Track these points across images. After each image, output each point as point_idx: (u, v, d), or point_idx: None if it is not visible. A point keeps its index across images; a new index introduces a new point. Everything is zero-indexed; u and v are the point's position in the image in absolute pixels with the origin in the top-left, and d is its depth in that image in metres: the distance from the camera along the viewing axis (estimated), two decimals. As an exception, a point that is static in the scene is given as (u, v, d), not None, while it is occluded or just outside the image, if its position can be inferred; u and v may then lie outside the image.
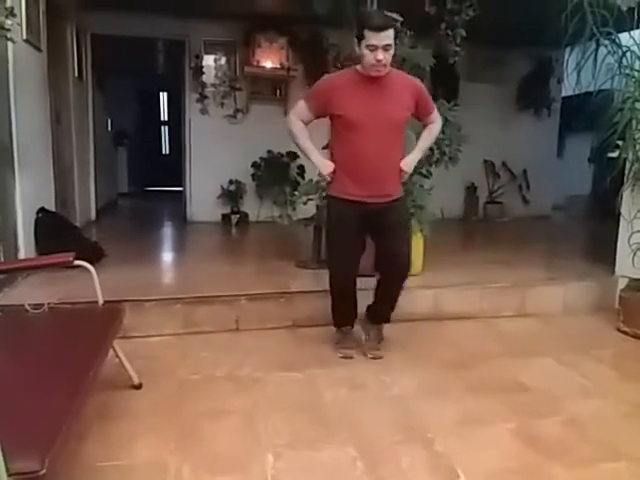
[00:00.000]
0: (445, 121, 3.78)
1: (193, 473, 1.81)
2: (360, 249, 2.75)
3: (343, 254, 2.73)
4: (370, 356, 2.83)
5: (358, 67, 2.58)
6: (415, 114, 2.69)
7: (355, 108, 2.53)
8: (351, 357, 2.82)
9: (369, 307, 2.96)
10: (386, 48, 2.41)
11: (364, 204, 2.61)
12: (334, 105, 2.57)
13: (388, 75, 2.56)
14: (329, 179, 2.68)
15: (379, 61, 2.43)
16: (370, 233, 2.75)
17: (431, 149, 3.75)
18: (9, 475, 1.05)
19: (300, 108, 2.71)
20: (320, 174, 2.73)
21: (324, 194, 3.90)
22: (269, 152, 6.54)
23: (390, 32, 2.40)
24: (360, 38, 2.44)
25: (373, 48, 2.40)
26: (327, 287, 3.32)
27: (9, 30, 2.82)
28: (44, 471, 1.10)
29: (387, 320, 2.93)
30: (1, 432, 1.04)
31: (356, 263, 2.74)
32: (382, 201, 2.63)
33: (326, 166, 2.68)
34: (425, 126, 2.82)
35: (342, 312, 2.91)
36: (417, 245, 3.73)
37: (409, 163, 2.72)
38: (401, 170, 2.69)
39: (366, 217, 2.64)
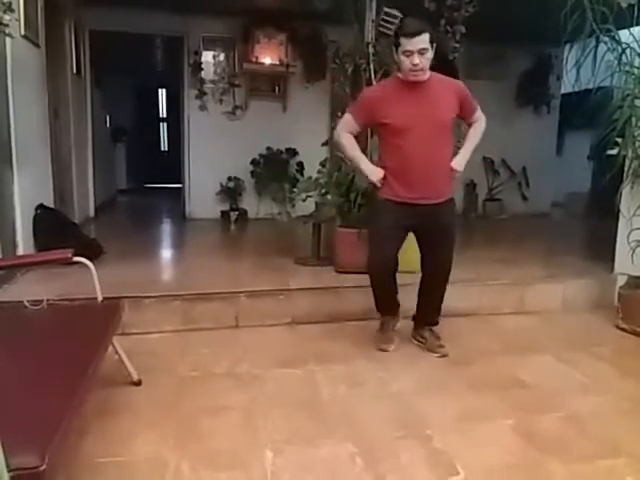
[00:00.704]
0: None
1: (192, 469, 1.81)
2: (399, 245, 2.77)
3: (383, 245, 2.74)
4: (436, 355, 2.83)
5: (399, 74, 2.64)
6: (460, 115, 2.72)
7: (400, 114, 2.59)
8: (386, 350, 2.86)
9: (415, 316, 2.99)
10: (422, 52, 2.47)
11: (414, 205, 2.64)
12: (379, 114, 2.63)
13: (429, 79, 2.61)
14: (379, 185, 2.72)
15: (415, 65, 2.48)
16: (417, 233, 2.78)
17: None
18: (9, 471, 1.05)
19: (347, 120, 2.77)
20: (370, 180, 2.76)
21: (323, 191, 3.91)
22: (268, 149, 6.55)
23: (424, 37, 2.46)
24: (397, 46, 2.53)
25: (409, 53, 2.48)
26: (326, 284, 3.34)
27: (7, 26, 2.82)
28: (44, 467, 1.10)
29: (436, 322, 2.95)
30: (1, 428, 1.03)
31: (394, 255, 2.76)
32: (432, 202, 2.65)
33: (376, 173, 2.71)
34: (470, 125, 2.84)
35: (382, 302, 2.92)
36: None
37: (459, 162, 2.73)
38: (452, 170, 2.70)
39: (415, 218, 2.67)
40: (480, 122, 2.82)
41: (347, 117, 2.77)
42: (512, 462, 1.90)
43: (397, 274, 2.83)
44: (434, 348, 2.86)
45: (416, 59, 2.47)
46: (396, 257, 2.77)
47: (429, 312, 2.94)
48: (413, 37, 2.45)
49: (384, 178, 2.69)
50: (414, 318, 2.99)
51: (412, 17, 2.58)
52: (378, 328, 2.98)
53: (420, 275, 2.88)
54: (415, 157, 2.60)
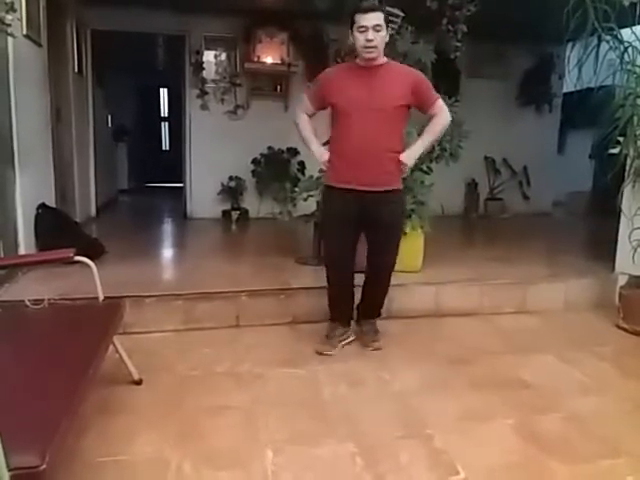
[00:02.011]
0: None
1: (193, 468, 1.81)
2: (355, 241, 2.77)
3: (337, 244, 2.77)
4: (370, 349, 2.86)
5: (357, 60, 2.66)
6: (415, 105, 2.67)
7: (346, 94, 2.63)
8: (321, 353, 2.82)
9: (358, 306, 3.00)
10: (376, 29, 2.51)
11: (356, 192, 2.63)
12: (329, 94, 2.69)
13: (385, 66, 2.64)
14: (324, 167, 2.78)
15: (369, 41, 2.51)
16: (362, 226, 2.74)
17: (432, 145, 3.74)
18: (10, 470, 1.05)
19: (303, 101, 2.86)
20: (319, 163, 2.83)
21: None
22: (269, 148, 6.54)
23: (379, 14, 2.52)
24: (352, 25, 2.56)
25: (363, 29, 2.51)
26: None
27: (9, 25, 2.81)
28: (44, 466, 1.11)
29: (377, 316, 2.98)
30: (1, 427, 1.03)
31: (350, 254, 2.77)
32: (374, 189, 2.62)
33: (322, 154, 2.77)
34: (430, 119, 2.76)
35: (334, 303, 2.93)
36: (417, 241, 3.74)
37: (408, 155, 2.68)
38: (400, 162, 2.66)
39: (358, 206, 2.65)
40: (440, 116, 2.70)
41: (304, 98, 2.86)
42: (513, 462, 1.90)
43: (354, 274, 2.85)
44: (367, 342, 2.90)
45: (370, 34, 2.50)
46: (351, 253, 2.77)
47: (370, 308, 2.95)
48: (367, 13, 2.51)
49: (329, 162, 2.73)
50: (357, 307, 3.00)
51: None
52: (325, 333, 2.94)
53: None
54: (355, 140, 2.61)
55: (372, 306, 2.95)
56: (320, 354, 2.81)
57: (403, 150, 2.69)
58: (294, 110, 2.80)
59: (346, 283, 2.86)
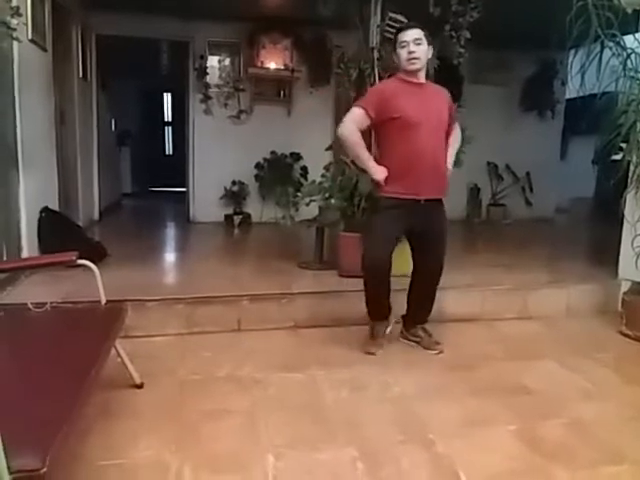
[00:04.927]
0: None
1: (194, 473, 1.81)
2: (395, 245, 2.84)
3: (385, 250, 2.77)
4: (433, 352, 2.93)
5: (400, 74, 2.81)
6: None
7: (410, 108, 2.70)
8: (373, 354, 2.87)
9: (404, 317, 3.06)
10: (417, 42, 2.69)
11: (418, 201, 2.72)
12: (390, 108, 2.71)
13: (427, 85, 2.83)
14: (383, 183, 2.78)
15: (411, 53, 2.68)
16: (414, 233, 2.84)
17: None
18: (10, 473, 1.05)
19: (357, 115, 2.78)
20: (375, 179, 2.82)
21: (327, 195, 3.91)
22: (272, 153, 6.56)
23: (418, 30, 2.71)
24: (395, 43, 2.76)
25: (405, 44, 2.70)
26: (329, 288, 3.33)
27: (15, 29, 2.84)
28: (45, 469, 1.11)
29: (426, 321, 3.04)
30: (3, 430, 1.04)
31: (390, 254, 2.78)
32: (436, 197, 2.78)
33: (380, 172, 2.77)
34: (448, 133, 2.91)
35: (375, 305, 2.93)
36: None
37: (450, 162, 2.90)
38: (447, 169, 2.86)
39: (416, 215, 2.74)
40: (458, 131, 3.00)
41: (358, 111, 2.77)
42: (515, 468, 1.90)
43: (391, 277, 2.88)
44: (431, 345, 2.96)
45: (412, 47, 2.67)
46: (391, 257, 2.80)
47: (422, 312, 3.02)
48: (408, 30, 2.72)
49: (387, 176, 2.77)
50: (403, 318, 3.06)
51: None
52: (368, 334, 2.99)
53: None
54: (425, 152, 2.70)
55: (424, 312, 3.02)
56: (370, 354, 2.87)
57: None
58: (343, 123, 2.80)
59: (385, 286, 2.89)
